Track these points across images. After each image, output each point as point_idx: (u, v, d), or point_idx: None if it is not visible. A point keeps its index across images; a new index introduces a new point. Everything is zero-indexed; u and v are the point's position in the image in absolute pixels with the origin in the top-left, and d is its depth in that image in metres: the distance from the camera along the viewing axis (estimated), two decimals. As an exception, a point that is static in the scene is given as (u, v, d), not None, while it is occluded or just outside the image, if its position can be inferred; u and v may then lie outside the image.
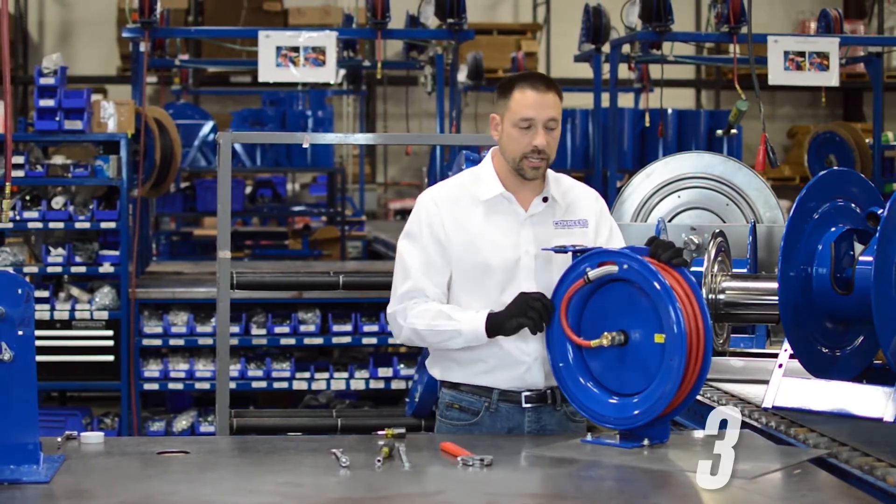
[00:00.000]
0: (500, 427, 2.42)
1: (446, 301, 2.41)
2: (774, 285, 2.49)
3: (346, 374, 5.15)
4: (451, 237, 2.39)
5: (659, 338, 2.18)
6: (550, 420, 2.43)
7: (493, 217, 2.41)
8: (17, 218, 5.05)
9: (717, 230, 2.90)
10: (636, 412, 2.22)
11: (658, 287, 2.18)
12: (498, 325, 2.32)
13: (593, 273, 2.21)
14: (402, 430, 2.29)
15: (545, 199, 2.42)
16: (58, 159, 5.21)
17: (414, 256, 2.41)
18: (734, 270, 2.88)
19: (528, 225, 2.41)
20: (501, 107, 2.39)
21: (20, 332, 2.02)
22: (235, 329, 5.00)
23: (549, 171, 2.46)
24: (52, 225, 5.10)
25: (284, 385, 5.15)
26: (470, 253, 2.39)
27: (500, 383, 2.41)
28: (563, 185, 2.47)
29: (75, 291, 5.17)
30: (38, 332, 2.15)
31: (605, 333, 2.23)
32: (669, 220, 3.24)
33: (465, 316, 2.35)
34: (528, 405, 2.41)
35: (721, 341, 2.91)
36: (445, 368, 2.46)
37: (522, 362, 2.40)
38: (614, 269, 2.20)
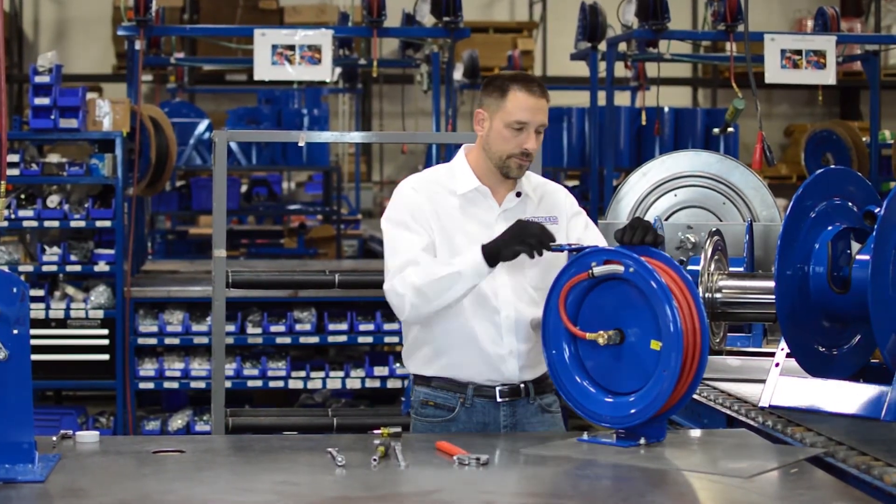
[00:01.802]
0: (476, 422, 2.44)
1: None
2: (771, 284, 2.48)
3: (341, 373, 5.14)
4: (431, 224, 2.41)
5: (655, 345, 2.18)
6: (525, 413, 2.46)
7: (468, 210, 2.44)
8: (13, 217, 5.03)
9: (714, 229, 2.90)
10: (632, 411, 2.22)
11: (654, 286, 2.18)
12: (495, 251, 2.30)
13: (598, 270, 2.22)
14: (398, 429, 2.29)
15: (518, 195, 2.45)
16: (53, 158, 5.21)
17: (402, 235, 2.41)
18: (731, 269, 2.88)
19: (502, 220, 2.43)
20: (493, 105, 2.41)
21: (15, 331, 2.01)
22: (231, 328, 4.98)
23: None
24: (47, 223, 5.08)
25: (280, 384, 5.14)
26: (444, 244, 2.41)
27: (475, 376, 2.43)
28: (534, 182, 2.50)
29: (70, 290, 5.15)
30: (33, 331, 2.13)
31: (601, 332, 2.23)
32: (666, 219, 3.24)
33: (460, 258, 2.34)
34: (503, 399, 2.43)
35: (718, 340, 2.91)
36: (422, 360, 2.46)
37: (498, 355, 2.42)
38: (620, 269, 2.21)
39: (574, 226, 2.46)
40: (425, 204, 2.42)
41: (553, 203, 2.47)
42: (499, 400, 2.43)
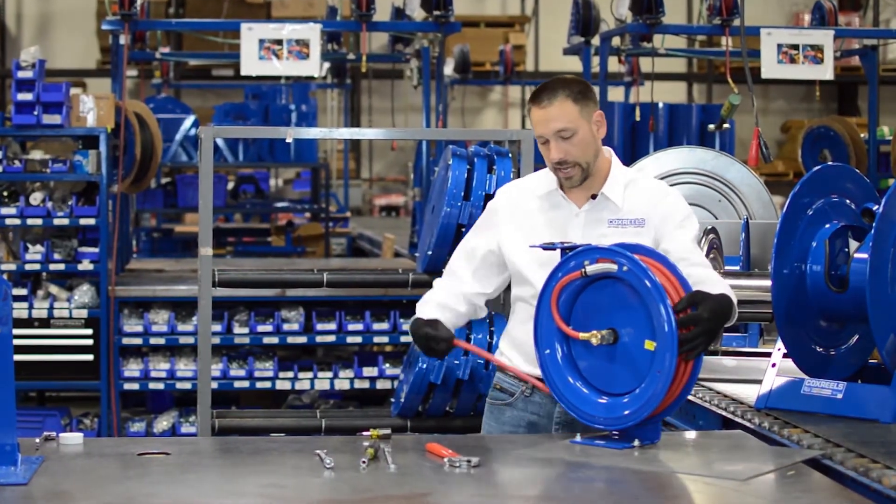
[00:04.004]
0: (531, 412, 2.47)
1: (477, 287, 2.51)
2: (768, 283, 2.46)
3: (330, 374, 5.09)
4: (508, 227, 2.48)
5: (649, 345, 2.15)
6: None
7: (547, 211, 2.47)
8: (-6, 214, 4.97)
9: (710, 227, 2.87)
10: (626, 412, 2.19)
11: (648, 285, 2.15)
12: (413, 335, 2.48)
13: (591, 268, 2.19)
14: (388, 431, 2.27)
15: (594, 197, 2.44)
16: (36, 154, 5.13)
17: (467, 240, 2.54)
18: (727, 268, 2.86)
19: (579, 221, 2.45)
20: None
21: (-4, 331, 1.98)
22: (217, 328, 4.92)
23: (619, 172, 2.45)
24: (30, 221, 5.01)
25: (267, 385, 5.08)
26: (520, 242, 2.45)
27: (536, 371, 2.45)
28: (635, 186, 2.42)
29: (54, 289, 5.09)
30: (15, 331, 2.11)
31: (595, 332, 2.20)
32: (660, 217, 3.20)
33: (419, 313, 2.51)
34: None
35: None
36: (501, 352, 2.57)
37: None
38: (613, 267, 2.18)
39: (663, 233, 2.38)
40: (509, 207, 2.49)
41: (640, 206, 2.40)
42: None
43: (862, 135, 6.41)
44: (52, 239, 5.10)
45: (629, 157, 6.79)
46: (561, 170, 2.39)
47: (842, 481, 2.06)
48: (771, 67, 5.27)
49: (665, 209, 2.40)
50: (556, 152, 2.36)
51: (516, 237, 2.45)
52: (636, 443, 2.20)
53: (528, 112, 2.45)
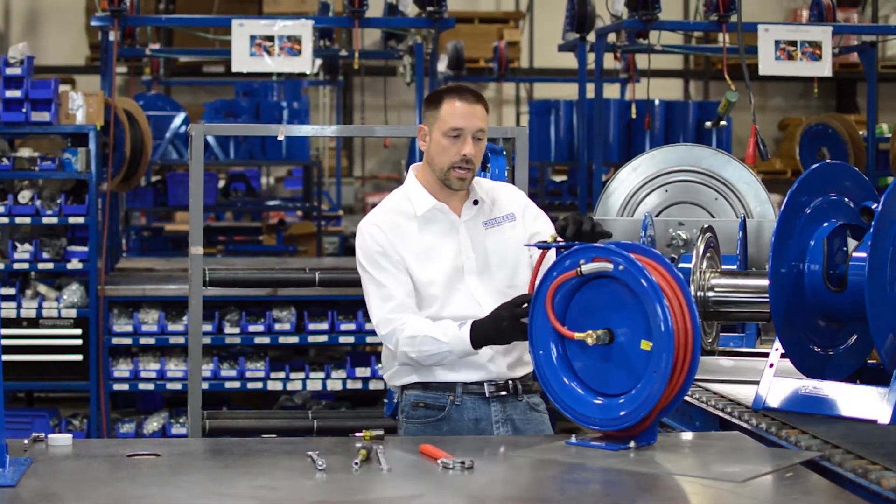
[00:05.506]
0: (468, 418, 2.48)
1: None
2: (765, 282, 2.44)
3: (322, 374, 5.06)
4: (403, 256, 2.47)
5: (645, 345, 2.13)
6: (514, 410, 2.51)
7: (431, 228, 2.50)
8: (-18, 213, 4.93)
9: (706, 225, 2.85)
10: (622, 413, 2.17)
11: (645, 284, 2.13)
12: (487, 340, 2.39)
13: (587, 267, 2.18)
14: (381, 432, 2.26)
15: (476, 202, 2.52)
16: (24, 152, 5.10)
17: (381, 279, 2.47)
18: (723, 267, 2.84)
19: (463, 230, 2.51)
20: (431, 118, 2.49)
21: (-19, 332, 1.96)
22: (208, 327, 4.90)
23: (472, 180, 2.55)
24: (18, 220, 4.98)
25: (259, 385, 5.05)
26: (421, 267, 2.46)
27: (463, 377, 2.48)
28: (485, 187, 2.57)
29: (42, 289, 5.05)
30: (4, 331, 2.10)
31: (590, 332, 2.18)
32: (657, 215, 3.20)
33: (452, 334, 2.41)
34: (492, 395, 2.49)
35: (710, 340, 2.86)
36: (406, 376, 2.52)
37: (486, 355, 2.46)
38: (609, 266, 2.16)
39: (528, 217, 2.54)
40: (393, 238, 2.47)
41: (506, 202, 2.55)
42: (488, 395, 2.48)
43: (860, 132, 6.38)
44: (41, 238, 5.07)
45: (625, 155, 6.79)
46: (462, 168, 2.44)
47: (840, 483, 2.05)
48: (768, 64, 5.26)
49: (520, 201, 2.56)
50: (470, 148, 2.43)
51: (421, 262, 2.45)
52: (632, 444, 2.19)
53: (441, 103, 2.44)
